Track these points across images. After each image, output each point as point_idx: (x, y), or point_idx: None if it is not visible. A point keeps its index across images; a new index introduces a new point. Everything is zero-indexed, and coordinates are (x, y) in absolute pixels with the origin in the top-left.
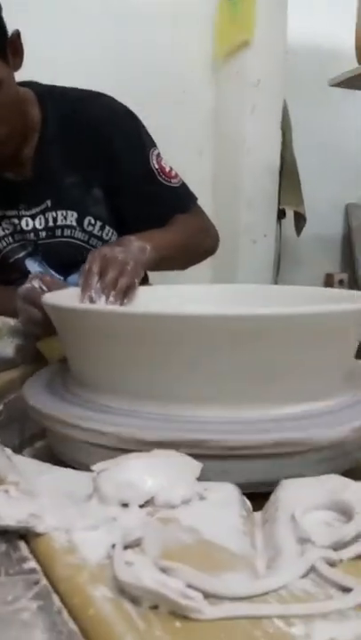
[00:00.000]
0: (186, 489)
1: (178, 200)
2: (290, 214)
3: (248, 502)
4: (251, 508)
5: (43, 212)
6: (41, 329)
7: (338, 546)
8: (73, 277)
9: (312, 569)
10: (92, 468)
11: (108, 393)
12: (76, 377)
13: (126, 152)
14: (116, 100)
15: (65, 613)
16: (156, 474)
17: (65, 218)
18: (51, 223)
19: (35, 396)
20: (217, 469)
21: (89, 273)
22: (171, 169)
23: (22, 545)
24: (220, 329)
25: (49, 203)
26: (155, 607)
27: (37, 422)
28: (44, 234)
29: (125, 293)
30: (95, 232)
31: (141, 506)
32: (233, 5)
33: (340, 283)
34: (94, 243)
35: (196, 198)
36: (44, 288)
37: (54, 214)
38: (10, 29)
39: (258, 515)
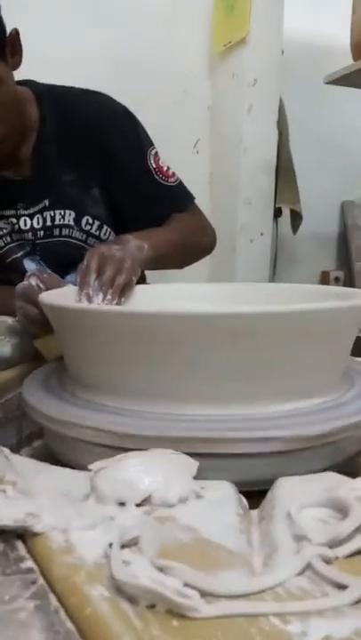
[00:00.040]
0: (183, 487)
1: (175, 199)
2: (286, 212)
3: (245, 500)
4: (247, 506)
5: (41, 212)
6: (38, 327)
7: (334, 543)
8: (71, 277)
9: (308, 566)
10: (90, 467)
11: (105, 392)
12: (72, 376)
13: (124, 151)
14: (113, 100)
15: (62, 613)
16: (152, 473)
17: (63, 217)
18: (49, 222)
19: (32, 395)
20: (214, 467)
21: (86, 270)
22: (168, 168)
23: (20, 544)
24: (217, 327)
25: (47, 202)
26: (152, 606)
27: (35, 421)
28: (41, 233)
29: (123, 291)
30: (93, 231)
31: (138, 505)
32: (229, 3)
33: (336, 280)
34: (92, 242)
35: (193, 197)
36: (42, 286)
37: (52, 213)
38: (9, 28)
39: (254, 513)
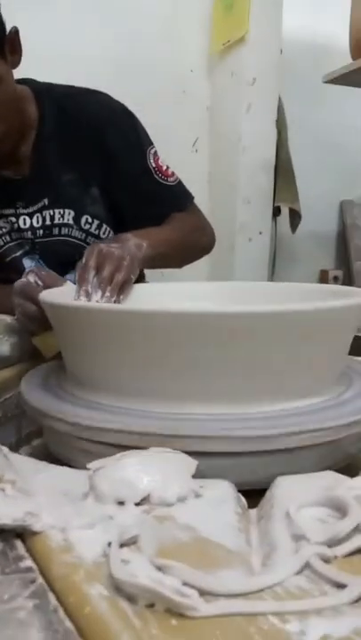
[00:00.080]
0: (181, 486)
1: (174, 199)
2: (285, 211)
3: (243, 499)
4: (246, 505)
5: (40, 211)
6: (37, 324)
7: (332, 542)
8: (70, 276)
9: (307, 565)
10: (88, 466)
11: (103, 390)
12: (71, 374)
13: (123, 150)
14: (113, 98)
15: (61, 612)
16: (151, 472)
17: (62, 216)
18: (48, 221)
19: (31, 394)
20: (212, 466)
21: (85, 267)
22: (167, 167)
23: (19, 543)
24: (215, 326)
25: (46, 201)
26: (151, 605)
27: (34, 420)
28: (41, 232)
29: (122, 289)
30: (92, 230)
31: (137, 504)
32: (228, 2)
33: (335, 279)
34: (91, 241)
35: (192, 197)
36: (40, 283)
37: (51, 212)
38: (8, 27)
39: (253, 512)
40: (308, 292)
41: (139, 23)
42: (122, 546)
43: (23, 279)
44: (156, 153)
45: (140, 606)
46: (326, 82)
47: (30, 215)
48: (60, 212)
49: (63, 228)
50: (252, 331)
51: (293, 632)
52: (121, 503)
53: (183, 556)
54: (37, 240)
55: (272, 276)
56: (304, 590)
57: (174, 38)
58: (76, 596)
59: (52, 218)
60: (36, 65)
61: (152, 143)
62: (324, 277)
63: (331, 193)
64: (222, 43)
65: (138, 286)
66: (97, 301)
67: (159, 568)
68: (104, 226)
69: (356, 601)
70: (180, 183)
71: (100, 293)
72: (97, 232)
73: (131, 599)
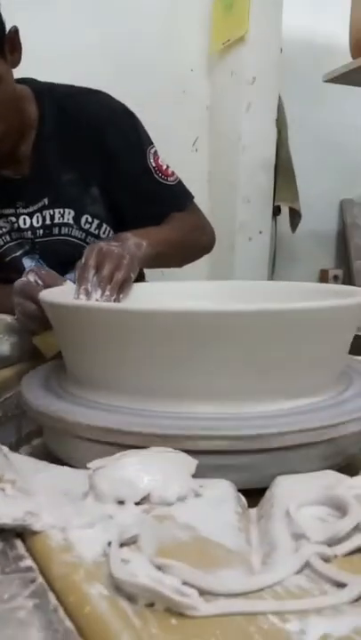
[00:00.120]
0: (181, 486)
1: (174, 198)
2: (285, 211)
3: (243, 499)
4: (246, 505)
5: (40, 210)
6: (37, 323)
7: (332, 541)
8: (70, 275)
9: (307, 565)
10: (88, 465)
11: (103, 390)
12: (71, 374)
13: (124, 150)
14: (113, 98)
15: (61, 611)
16: (151, 471)
17: (62, 216)
18: (48, 221)
19: (31, 394)
20: (212, 466)
21: (85, 266)
22: (167, 167)
23: (19, 543)
24: (215, 325)
25: (46, 201)
26: (151, 605)
27: (34, 420)
28: (41, 232)
29: (121, 288)
30: (92, 230)
31: (137, 503)
32: (228, 1)
33: (335, 278)
34: (91, 241)
35: (192, 196)
36: (40, 282)
37: (51, 212)
38: (8, 26)
39: (253, 511)
40: (308, 291)
41: (139, 23)
42: (122, 545)
43: (23, 278)
44: (156, 152)
45: (140, 606)
46: (326, 81)
47: (30, 215)
48: (60, 212)
49: (63, 228)
50: (252, 330)
51: (293, 631)
52: (121, 502)
53: (183, 556)
54: (37, 240)
55: (272, 275)
56: (304, 589)
57: (174, 38)
58: (75, 596)
59: (52, 217)
60: (37, 65)
61: (152, 143)
62: (324, 277)
63: (331, 192)
64: (222, 42)
65: (138, 285)
66: (97, 300)
67: (159, 567)
68: (104, 225)
69: (357, 600)
70: (180, 183)
71: (99, 292)
72: (97, 232)
73: (131, 599)
